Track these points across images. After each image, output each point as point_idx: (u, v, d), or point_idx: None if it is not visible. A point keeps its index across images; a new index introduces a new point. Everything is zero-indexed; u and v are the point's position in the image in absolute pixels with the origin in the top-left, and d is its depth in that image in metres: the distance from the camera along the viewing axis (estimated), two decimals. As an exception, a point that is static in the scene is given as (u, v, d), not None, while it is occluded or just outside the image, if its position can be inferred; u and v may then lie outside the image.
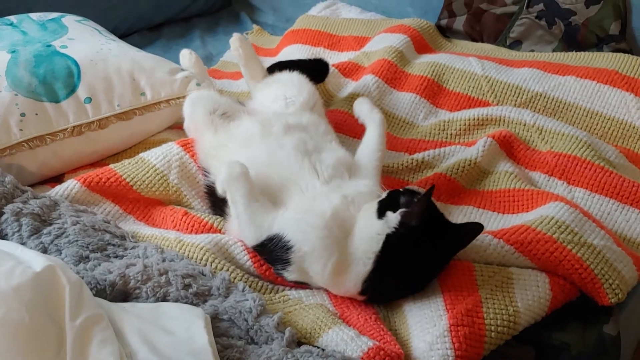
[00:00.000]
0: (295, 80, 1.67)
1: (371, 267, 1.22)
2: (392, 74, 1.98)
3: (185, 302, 1.18)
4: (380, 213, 1.24)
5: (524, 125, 1.75)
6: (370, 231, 1.24)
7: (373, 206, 1.27)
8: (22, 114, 1.56)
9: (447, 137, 1.81)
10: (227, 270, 1.34)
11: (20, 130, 1.55)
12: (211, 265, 1.34)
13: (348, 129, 1.82)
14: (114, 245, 1.37)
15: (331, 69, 2.02)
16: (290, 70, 1.74)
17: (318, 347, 1.15)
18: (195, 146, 1.59)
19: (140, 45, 2.41)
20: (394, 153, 1.77)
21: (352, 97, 1.90)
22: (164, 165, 1.57)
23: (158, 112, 1.71)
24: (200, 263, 1.34)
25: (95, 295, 1.17)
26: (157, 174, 1.55)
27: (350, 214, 1.28)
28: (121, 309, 1.09)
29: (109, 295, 1.18)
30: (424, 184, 1.59)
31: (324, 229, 1.25)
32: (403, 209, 1.22)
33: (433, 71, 1.97)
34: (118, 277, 1.19)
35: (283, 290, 1.36)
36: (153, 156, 1.59)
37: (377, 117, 1.55)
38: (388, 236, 1.22)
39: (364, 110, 1.59)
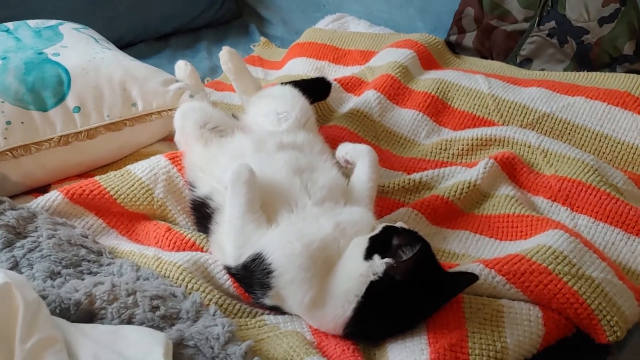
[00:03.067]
0: (287, 95, 1.62)
1: (351, 313, 1.15)
2: (395, 90, 1.91)
3: (152, 325, 1.12)
4: (368, 253, 1.17)
5: (529, 147, 1.67)
6: (354, 271, 1.16)
7: (363, 242, 1.19)
8: (8, 122, 1.53)
9: (448, 157, 1.73)
10: (204, 290, 1.28)
11: (5, 138, 1.52)
12: (187, 285, 1.28)
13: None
14: (89, 261, 1.32)
15: (333, 83, 1.96)
16: (291, 85, 1.68)
17: (288, 379, 1.08)
18: (183, 159, 1.54)
19: (147, 55, 2.40)
20: (392, 172, 1.70)
21: (352, 113, 1.84)
22: (150, 178, 1.52)
23: (149, 124, 1.66)
24: (177, 282, 1.29)
25: (59, 314, 1.12)
26: (142, 187, 1.51)
27: (339, 245, 1.21)
28: (79, 331, 1.03)
29: (73, 315, 1.13)
30: (419, 206, 1.52)
31: (308, 259, 1.19)
32: (389, 261, 1.14)
33: (438, 88, 1.90)
34: (84, 296, 1.14)
35: (261, 314, 1.29)
36: (139, 169, 1.54)
37: (364, 147, 1.46)
38: (372, 282, 1.14)
39: (348, 149, 1.48)
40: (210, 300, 1.27)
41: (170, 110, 1.67)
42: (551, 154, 1.63)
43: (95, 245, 1.37)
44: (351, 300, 1.15)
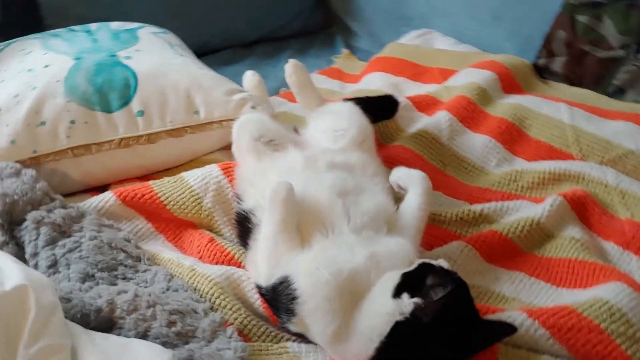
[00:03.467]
0: (345, 112, 1.56)
1: (373, 352, 1.08)
2: (469, 113, 1.82)
3: (165, 341, 1.10)
4: (398, 291, 1.09)
5: (605, 185, 1.53)
6: (381, 309, 1.09)
7: (394, 278, 1.12)
8: (72, 121, 1.57)
9: (516, 190, 1.62)
10: (231, 308, 1.25)
11: (67, 137, 1.56)
12: (216, 301, 1.26)
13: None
14: (125, 266, 1.32)
15: (405, 102, 1.89)
16: (352, 103, 1.62)
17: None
18: (236, 171, 1.53)
19: (230, 62, 2.42)
20: (453, 201, 1.61)
21: (420, 134, 1.76)
22: (201, 187, 1.52)
23: (210, 133, 1.66)
24: (206, 296, 1.27)
25: (79, 319, 1.13)
26: (192, 195, 1.50)
27: (370, 278, 1.14)
28: (91, 341, 1.03)
29: (93, 322, 1.13)
30: (474, 241, 1.42)
31: (334, 289, 1.13)
32: (417, 301, 1.06)
33: (515, 114, 1.78)
34: (106, 304, 1.14)
35: (286, 339, 1.24)
36: (192, 177, 1.54)
37: (417, 174, 1.38)
38: (397, 323, 1.06)
39: (401, 174, 1.40)
40: (236, 319, 1.24)
41: (231, 120, 1.65)
42: (629, 196, 1.48)
43: (136, 251, 1.37)
44: (374, 339, 1.08)
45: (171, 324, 1.12)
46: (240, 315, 1.25)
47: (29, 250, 1.33)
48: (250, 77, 1.79)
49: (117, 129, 1.60)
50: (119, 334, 1.12)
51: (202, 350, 1.07)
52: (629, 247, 1.39)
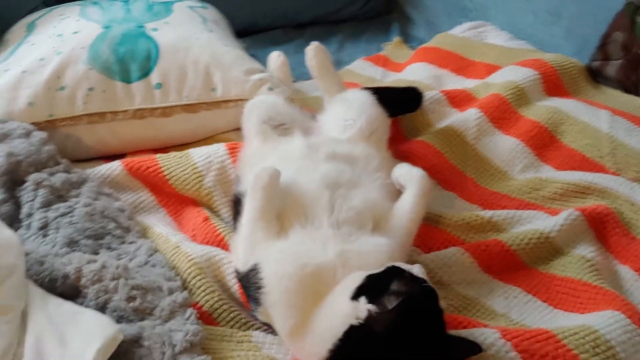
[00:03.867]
0: (357, 102, 1.50)
1: (327, 354, 1.03)
2: (501, 113, 1.71)
3: (122, 315, 1.10)
4: (358, 293, 1.03)
5: (632, 204, 1.40)
6: (338, 310, 1.03)
7: (358, 278, 1.06)
8: (90, 89, 1.60)
9: (536, 199, 1.51)
10: (206, 290, 1.24)
11: (84, 103, 1.59)
12: (192, 280, 1.25)
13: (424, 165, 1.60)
14: (113, 235, 1.33)
15: (438, 96, 1.80)
16: (368, 92, 1.56)
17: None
18: (240, 152, 1.50)
19: (278, 42, 2.40)
20: (466, 204, 1.52)
21: (445, 131, 1.68)
22: (204, 165, 1.50)
23: (225, 111, 1.65)
24: (183, 275, 1.26)
25: (47, 283, 1.15)
26: (195, 172, 1.49)
27: (335, 276, 1.09)
28: (44, 305, 1.04)
29: (59, 288, 1.14)
30: (473, 249, 1.34)
31: (297, 283, 1.09)
32: (372, 308, 0.99)
33: (550, 118, 1.66)
34: (73, 271, 1.15)
35: (256, 328, 1.21)
36: (198, 154, 1.53)
37: (417, 172, 1.31)
38: (351, 327, 1.01)
39: (402, 171, 1.34)
40: (207, 301, 1.22)
41: (247, 100, 1.63)
42: (656, 220, 1.35)
43: (127, 222, 1.38)
44: (328, 340, 1.03)
45: (131, 298, 1.11)
46: (213, 298, 1.24)
47: (24, 210, 1.36)
48: (275, 58, 1.75)
49: (134, 100, 1.62)
50: (81, 303, 1.13)
51: (154, 329, 1.06)
52: (646, 274, 1.26)
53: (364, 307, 1.01)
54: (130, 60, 1.63)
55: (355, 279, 1.06)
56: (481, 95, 1.81)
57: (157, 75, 1.63)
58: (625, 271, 1.31)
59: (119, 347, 1.02)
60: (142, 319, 1.10)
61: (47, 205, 1.36)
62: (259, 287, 1.14)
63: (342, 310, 1.03)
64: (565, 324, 1.15)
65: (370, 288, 1.04)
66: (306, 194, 1.25)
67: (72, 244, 1.28)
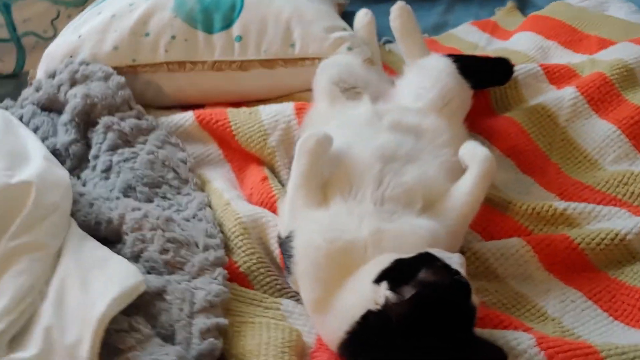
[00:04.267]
0: (435, 70, 1.40)
1: (343, 335, 0.99)
2: (602, 95, 1.54)
3: (153, 267, 1.11)
4: (381, 277, 0.97)
5: None
6: (360, 291, 0.98)
7: (386, 261, 1.00)
8: (173, 37, 1.61)
9: (624, 195, 1.36)
10: (245, 250, 1.23)
11: (166, 51, 1.61)
12: (235, 240, 1.25)
13: (507, 144, 1.49)
14: (170, 185, 1.35)
15: (536, 70, 1.65)
16: (449, 60, 1.45)
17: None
18: (307, 112, 1.47)
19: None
20: (543, 192, 1.41)
21: (536, 109, 1.55)
22: (271, 123, 1.48)
23: (302, 69, 1.60)
24: (228, 233, 1.26)
25: (93, 226, 1.19)
26: (260, 130, 1.48)
27: (365, 254, 1.04)
28: (78, 247, 1.07)
29: (103, 231, 1.18)
30: (536, 243, 1.23)
31: (324, 257, 1.04)
32: (390, 295, 0.93)
33: (659, 105, 1.48)
34: (117, 217, 1.18)
35: (289, 296, 1.19)
36: (266, 111, 1.51)
37: (481, 152, 1.21)
38: (369, 312, 0.95)
39: (467, 149, 1.24)
40: (245, 262, 1.21)
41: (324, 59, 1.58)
42: None
43: (187, 173, 1.39)
44: (346, 321, 0.99)
45: (164, 251, 1.13)
46: (252, 260, 1.22)
47: (93, 151, 1.42)
48: (361, 16, 1.68)
49: (214, 52, 1.61)
50: (120, 249, 1.16)
51: (180, 284, 1.07)
52: None
53: (383, 292, 0.95)
54: (214, 10, 1.63)
55: (383, 262, 1.01)
56: (585, 73, 1.64)
57: (238, 27, 1.62)
58: None
59: (143, 298, 1.04)
60: (172, 273, 1.11)
61: (113, 148, 1.40)
62: (291, 256, 1.11)
63: (363, 293, 0.98)
64: (619, 341, 1.03)
65: (396, 273, 0.98)
66: (357, 163, 1.19)
67: (128, 189, 1.32)
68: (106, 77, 1.52)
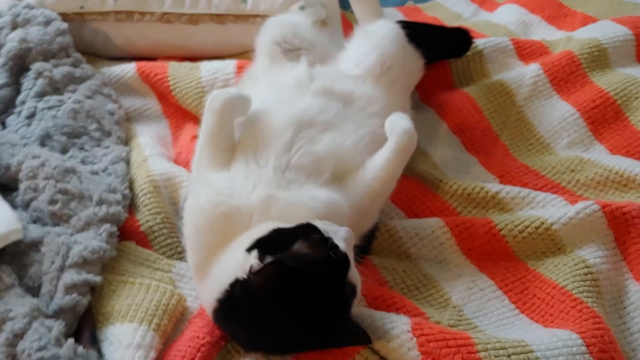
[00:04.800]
0: (378, 35, 1.31)
1: (215, 303, 0.93)
2: (566, 75, 1.43)
3: (39, 216, 1.08)
4: (255, 245, 0.91)
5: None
6: (233, 258, 0.93)
7: (265, 229, 0.94)
8: (124, -14, 1.56)
9: (568, 183, 1.27)
10: (152, 209, 1.18)
11: (115, 0, 1.55)
12: (142, 198, 1.20)
13: (457, 120, 1.40)
14: (91, 137, 1.31)
15: (505, 44, 1.54)
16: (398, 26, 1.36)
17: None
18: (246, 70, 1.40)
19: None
20: (483, 172, 1.33)
21: (494, 85, 1.47)
22: (209, 81, 1.43)
23: (253, 26, 1.50)
24: (137, 191, 1.22)
25: (-9, 170, 1.16)
26: (197, 87, 1.42)
27: (250, 221, 0.97)
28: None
29: (2, 178, 1.15)
30: (456, 226, 1.15)
31: (206, 221, 0.99)
32: (255, 263, 0.87)
33: (623, 89, 1.37)
34: (15, 164, 1.15)
35: (183, 259, 1.14)
36: (206, 67, 1.46)
37: (401, 125, 1.11)
38: (237, 280, 0.90)
39: (391, 120, 1.13)
40: (147, 221, 1.17)
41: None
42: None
43: (111, 126, 1.35)
44: (218, 288, 0.93)
45: (53, 202, 1.08)
46: (155, 219, 1.18)
47: (21, 97, 1.38)
48: (324, -25, 1.59)
49: (164, 3, 1.56)
50: (14, 197, 1.12)
51: (59, 237, 1.02)
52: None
53: (250, 259, 0.89)
54: (167, -40, 1.56)
55: (262, 230, 0.94)
56: (556, 51, 1.53)
57: (191, -21, 1.55)
58: (635, 289, 1.06)
59: (18, 247, 1.01)
60: (57, 225, 1.07)
61: (41, 95, 1.36)
62: (181, 217, 1.06)
63: (235, 260, 0.92)
64: (515, 335, 0.96)
65: (271, 243, 0.92)
66: (270, 127, 1.12)
67: (45, 137, 1.28)
68: (46, 23, 1.47)
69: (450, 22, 1.86)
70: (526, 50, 1.55)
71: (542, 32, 1.71)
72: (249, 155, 1.08)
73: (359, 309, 0.97)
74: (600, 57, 1.45)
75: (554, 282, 1.06)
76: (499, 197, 1.21)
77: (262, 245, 0.91)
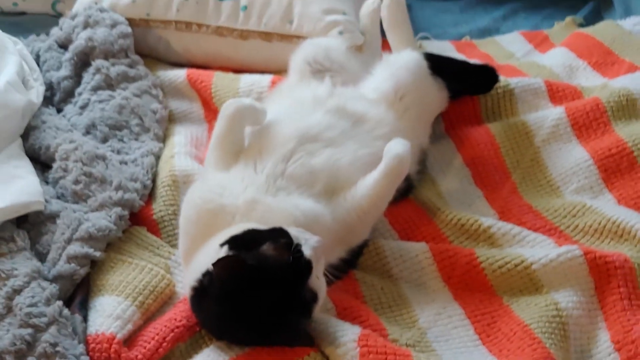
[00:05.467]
0: (397, 64, 1.38)
1: (190, 291, 1.03)
2: (589, 121, 1.44)
3: (63, 194, 1.23)
4: (228, 241, 1.00)
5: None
6: (210, 251, 1.02)
7: (241, 228, 1.03)
8: (187, -3, 1.71)
9: (567, 227, 1.29)
10: (166, 201, 1.31)
11: (178, 10, 1.70)
12: (161, 190, 1.33)
13: (472, 154, 1.44)
14: (131, 131, 1.45)
15: (538, 85, 1.56)
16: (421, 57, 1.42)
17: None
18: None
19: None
20: (485, 207, 1.36)
21: (516, 125, 1.49)
22: (245, 91, 1.55)
23: (295, 46, 1.60)
24: (158, 183, 1.35)
25: (37, 150, 1.33)
26: (234, 96, 1.53)
27: (232, 221, 1.07)
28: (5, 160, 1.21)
29: (42, 156, 1.33)
30: (439, 254, 1.20)
31: (196, 214, 1.10)
32: (221, 257, 0.96)
33: (643, 142, 1.36)
34: (54, 145, 1.30)
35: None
36: (245, 79, 1.58)
37: (393, 149, 1.16)
38: (207, 271, 0.99)
39: (389, 144, 1.18)
40: (160, 211, 1.30)
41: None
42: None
43: (151, 123, 1.48)
44: (194, 277, 1.04)
45: (77, 182, 1.23)
46: (168, 210, 1.30)
47: (79, 89, 1.55)
48: (368, 4, 1.66)
49: (220, 17, 1.69)
50: (48, 174, 1.28)
51: (74, 213, 1.16)
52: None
53: (220, 254, 0.99)
54: (230, -23, 1.70)
55: (239, 228, 1.04)
56: (587, 96, 1.53)
57: (247, -3, 1.68)
58: (604, 339, 1.07)
59: (38, 217, 1.16)
60: (76, 203, 1.21)
61: (95, 89, 1.53)
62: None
63: (211, 253, 1.02)
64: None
65: (243, 241, 1.01)
66: (276, 137, 1.22)
67: (91, 126, 1.43)
68: (112, 25, 1.64)
69: (500, 60, 1.89)
70: (559, 94, 1.56)
71: (586, 77, 1.71)
72: (250, 160, 1.18)
73: (321, 314, 1.04)
74: (628, 107, 1.45)
75: (520, 320, 1.08)
76: (490, 232, 1.25)
77: (233, 242, 1.01)
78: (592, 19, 2.15)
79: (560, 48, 1.84)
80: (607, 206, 1.29)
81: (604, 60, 1.74)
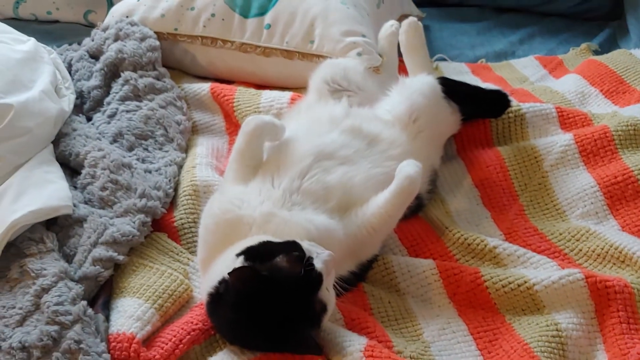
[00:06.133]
0: (410, 88, 1.43)
1: (207, 297, 1.10)
2: (597, 148, 1.49)
3: (91, 199, 1.30)
4: (244, 251, 1.06)
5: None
6: (227, 260, 1.08)
7: (258, 239, 1.09)
8: (213, 14, 1.77)
9: (571, 250, 1.34)
10: (187, 210, 1.37)
11: (204, 26, 1.77)
12: (182, 199, 1.39)
13: (482, 176, 1.49)
14: (156, 141, 1.52)
15: (549, 111, 1.61)
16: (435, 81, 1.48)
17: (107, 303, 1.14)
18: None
19: (464, 19, 2.34)
20: (491, 228, 1.40)
21: (525, 149, 1.53)
22: (265, 107, 1.60)
23: (316, 65, 1.67)
24: (180, 192, 1.41)
25: (66, 155, 1.40)
26: (255, 111, 1.60)
27: (249, 232, 1.13)
28: (33, 167, 1.28)
29: (71, 162, 1.40)
30: (446, 272, 1.25)
31: (214, 224, 1.16)
32: (237, 267, 1.02)
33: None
34: (83, 152, 1.37)
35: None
36: (266, 95, 1.64)
37: (405, 170, 1.21)
38: (223, 279, 1.05)
39: (401, 164, 1.23)
40: (181, 218, 1.36)
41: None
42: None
43: (175, 134, 1.55)
44: (210, 284, 1.10)
45: (104, 189, 1.30)
46: (188, 218, 1.36)
47: (108, 98, 1.62)
48: (386, 27, 1.72)
49: (244, 34, 1.76)
50: (77, 180, 1.35)
51: (100, 218, 1.23)
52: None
53: (236, 263, 1.05)
54: (253, -2, 1.77)
55: (254, 240, 1.10)
56: (597, 123, 1.58)
57: (270, 16, 1.75)
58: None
59: (67, 221, 1.23)
60: (102, 208, 1.27)
61: (124, 99, 1.60)
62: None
63: (227, 262, 1.08)
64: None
65: (258, 252, 1.07)
66: (294, 154, 1.28)
67: (118, 135, 1.50)
68: (142, 39, 1.71)
69: (514, 84, 1.94)
70: (569, 120, 1.61)
71: (598, 105, 1.75)
72: (268, 175, 1.24)
73: (330, 324, 1.10)
74: (635, 136, 1.49)
75: (521, 338, 1.13)
76: (495, 252, 1.30)
77: (248, 253, 1.07)
78: (607, 45, 2.22)
79: (572, 75, 1.89)
80: (611, 232, 1.34)
81: (616, 89, 1.79)
